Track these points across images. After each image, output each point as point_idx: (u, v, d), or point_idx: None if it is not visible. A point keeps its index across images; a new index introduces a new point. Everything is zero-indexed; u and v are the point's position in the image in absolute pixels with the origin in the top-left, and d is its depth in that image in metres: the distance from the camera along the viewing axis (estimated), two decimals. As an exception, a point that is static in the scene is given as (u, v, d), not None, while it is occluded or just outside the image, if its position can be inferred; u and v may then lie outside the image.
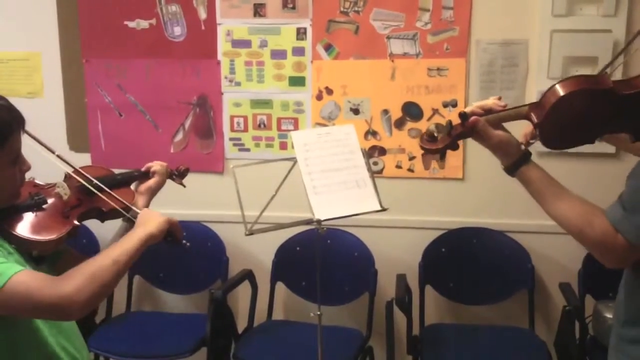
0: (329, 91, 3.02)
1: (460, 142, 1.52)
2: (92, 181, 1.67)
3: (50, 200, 1.60)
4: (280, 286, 3.11)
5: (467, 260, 2.99)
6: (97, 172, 1.77)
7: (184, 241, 1.65)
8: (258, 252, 3.16)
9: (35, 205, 1.56)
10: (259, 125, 3.11)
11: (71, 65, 3.20)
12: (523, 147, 1.48)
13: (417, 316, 2.92)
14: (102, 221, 1.72)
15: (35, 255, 1.53)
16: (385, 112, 2.99)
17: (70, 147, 3.23)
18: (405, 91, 2.95)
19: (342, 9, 2.94)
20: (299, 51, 3.01)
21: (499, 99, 1.50)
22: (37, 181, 1.64)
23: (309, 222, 2.20)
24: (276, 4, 2.98)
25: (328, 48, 2.99)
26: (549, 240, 2.86)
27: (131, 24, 3.11)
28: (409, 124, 2.98)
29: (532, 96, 2.79)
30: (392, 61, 2.94)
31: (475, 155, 2.90)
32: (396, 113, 2.98)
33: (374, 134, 3.01)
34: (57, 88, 3.23)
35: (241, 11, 3.02)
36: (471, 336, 2.85)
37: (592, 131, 1.43)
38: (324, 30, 2.97)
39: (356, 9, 2.92)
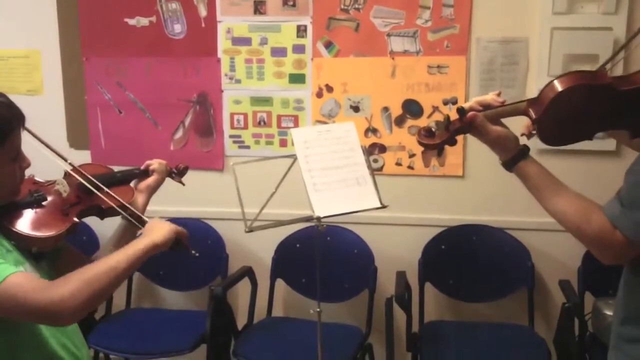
0: (329, 89, 3.02)
1: (460, 139, 1.52)
2: (91, 179, 1.67)
3: (49, 198, 1.60)
4: (280, 283, 3.11)
5: (467, 258, 3.00)
6: (97, 170, 1.78)
7: (193, 251, 1.65)
8: (258, 249, 3.16)
9: (35, 202, 1.56)
10: (259, 123, 3.11)
11: (71, 63, 3.20)
12: (526, 137, 1.48)
13: (416, 313, 2.93)
14: (102, 218, 1.72)
15: (34, 252, 1.54)
16: (386, 109, 2.99)
17: (70, 145, 3.23)
18: (406, 89, 2.95)
19: (342, 6, 2.93)
20: (299, 49, 3.01)
21: (498, 94, 1.50)
22: (36, 178, 1.65)
23: (308, 219, 2.21)
24: (276, 2, 2.98)
25: (328, 45, 2.99)
26: (549, 237, 2.87)
27: (131, 22, 3.11)
28: (409, 122, 2.98)
29: (532, 94, 2.76)
30: (393, 59, 2.94)
31: (475, 153, 2.90)
32: (396, 110, 2.98)
33: (374, 131, 3.01)
34: (57, 86, 3.23)
35: (241, 9, 3.02)
36: (471, 333, 2.86)
37: (590, 127, 1.42)
38: (324, 27, 2.97)
39: (356, 6, 2.92)
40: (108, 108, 3.21)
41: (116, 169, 1.84)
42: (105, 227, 1.83)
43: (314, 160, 2.25)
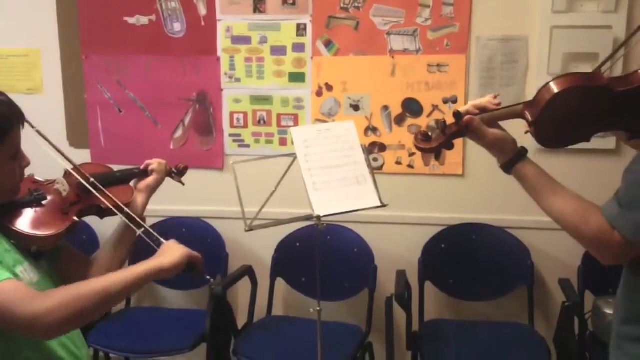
0: (329, 87, 3.01)
1: (458, 141, 1.52)
2: (90, 179, 1.67)
3: (49, 197, 1.60)
4: (280, 282, 3.11)
5: (467, 257, 3.00)
6: (97, 170, 1.78)
7: (207, 277, 1.63)
8: (258, 248, 3.16)
9: (35, 201, 1.56)
10: (259, 122, 3.11)
11: (71, 62, 3.20)
12: (530, 133, 1.48)
13: (416, 312, 2.93)
14: (102, 218, 1.72)
15: (34, 250, 1.54)
16: (385, 108, 2.99)
17: (70, 144, 3.23)
18: (405, 87, 2.95)
19: (342, 5, 2.93)
20: (299, 47, 3.01)
21: (495, 97, 1.50)
22: (36, 177, 1.65)
23: (308, 218, 2.21)
24: (276, 0, 2.98)
25: (328, 44, 2.98)
26: (549, 236, 2.86)
27: (131, 20, 3.11)
28: (409, 120, 2.98)
29: (532, 93, 2.75)
30: (392, 57, 2.94)
31: (475, 152, 2.89)
32: (396, 109, 2.98)
33: (374, 130, 3.01)
34: (57, 84, 3.23)
35: (241, 7, 3.02)
36: (471, 332, 2.86)
37: (587, 129, 1.42)
38: (324, 26, 2.97)
39: (356, 5, 2.92)
40: (108, 107, 3.21)
41: (116, 168, 1.84)
42: (105, 227, 1.83)
43: (313, 159, 2.25)
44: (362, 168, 2.28)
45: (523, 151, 1.47)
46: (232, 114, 3.12)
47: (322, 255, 2.33)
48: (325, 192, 2.21)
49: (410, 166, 3.01)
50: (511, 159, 1.46)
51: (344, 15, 2.94)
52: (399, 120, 2.99)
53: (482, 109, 1.48)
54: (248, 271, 3.06)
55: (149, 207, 1.81)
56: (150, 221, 1.84)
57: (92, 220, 1.77)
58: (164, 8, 3.08)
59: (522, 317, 2.93)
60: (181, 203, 3.07)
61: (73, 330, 1.52)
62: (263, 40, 3.03)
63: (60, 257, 1.65)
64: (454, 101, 2.92)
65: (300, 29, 2.99)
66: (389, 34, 2.93)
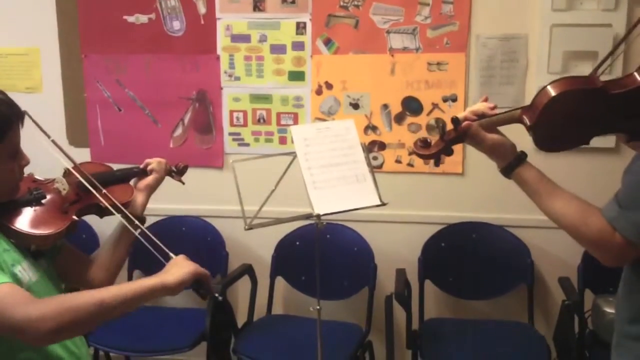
0: (329, 86, 3.01)
1: (456, 147, 1.54)
2: (90, 179, 1.67)
3: (49, 196, 1.60)
4: (279, 281, 3.11)
5: (467, 255, 3.00)
6: (97, 169, 1.77)
7: (216, 294, 1.59)
8: (258, 247, 3.16)
9: (34, 200, 1.56)
10: (259, 120, 3.10)
11: (70, 61, 3.20)
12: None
13: (416, 311, 2.93)
14: (101, 217, 1.72)
15: (33, 250, 1.53)
16: (385, 106, 2.99)
17: (70, 142, 3.23)
18: (405, 86, 2.95)
19: (341, 3, 2.93)
20: (298, 46, 3.01)
21: (485, 99, 1.51)
22: (36, 176, 1.64)
23: (308, 216, 2.21)
24: (275, -1, 2.98)
25: (328, 43, 2.98)
26: (549, 235, 2.86)
27: (130, 19, 3.11)
28: (409, 119, 2.98)
29: (532, 91, 2.79)
30: (392, 56, 2.94)
31: (475, 151, 2.86)
32: (396, 108, 2.98)
33: (373, 128, 3.01)
34: (56, 83, 3.23)
35: (240, 6, 3.02)
36: (470, 331, 2.86)
37: (585, 132, 1.43)
38: (323, 24, 2.97)
39: (356, 3, 2.92)
40: (107, 105, 3.21)
41: (115, 167, 1.84)
42: (105, 226, 1.83)
43: (313, 158, 2.25)
44: (361, 167, 2.28)
45: (522, 155, 1.48)
46: (231, 112, 3.12)
47: (322, 254, 2.33)
48: (325, 190, 2.21)
49: (410, 165, 3.01)
50: (510, 163, 1.47)
51: (343, 14, 2.94)
52: (399, 118, 2.99)
53: (480, 115, 1.49)
54: (248, 270, 3.06)
55: (148, 205, 1.80)
56: (150, 220, 1.85)
57: (91, 220, 1.77)
58: (163, 7, 3.07)
59: (522, 316, 2.93)
60: (181, 202, 3.07)
61: (67, 339, 1.50)
62: (263, 39, 3.03)
63: (59, 255, 1.65)
64: (454, 99, 2.92)
65: (300, 28, 2.99)
66: (388, 32, 2.92)
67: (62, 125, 3.24)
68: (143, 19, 3.10)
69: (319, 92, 3.02)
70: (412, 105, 2.97)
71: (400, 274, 2.87)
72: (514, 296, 2.99)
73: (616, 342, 1.51)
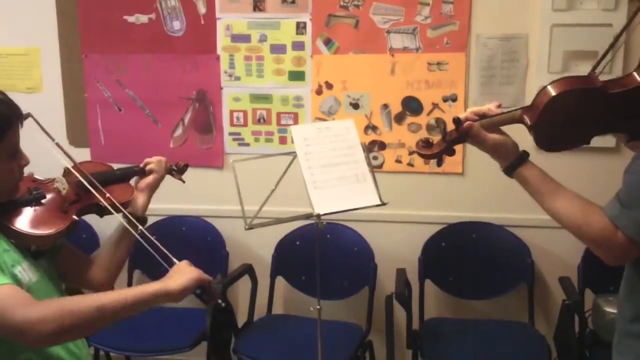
0: (329, 86, 3.01)
1: (456, 147, 1.54)
2: (90, 178, 1.67)
3: (49, 195, 1.60)
4: (280, 280, 3.11)
5: (467, 255, 3.00)
6: (96, 168, 1.77)
7: (219, 301, 1.59)
8: (258, 247, 3.16)
9: (34, 200, 1.55)
10: (259, 120, 3.10)
11: (70, 61, 3.20)
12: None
13: (416, 310, 2.93)
14: (101, 216, 1.72)
15: (33, 250, 1.53)
16: (385, 106, 2.99)
17: (70, 142, 3.23)
18: (405, 86, 2.95)
19: (341, 3, 2.93)
20: (298, 46, 3.01)
21: (499, 106, 1.51)
22: (36, 176, 1.64)
23: (308, 216, 2.21)
24: (276, -1, 2.98)
25: (328, 42, 2.98)
26: (549, 234, 2.86)
27: (130, 19, 3.11)
28: (409, 119, 2.98)
29: (532, 91, 2.79)
30: (392, 56, 2.94)
31: (475, 150, 2.85)
32: (396, 108, 2.98)
33: (373, 128, 3.01)
34: (57, 83, 3.22)
35: (240, 6, 3.01)
36: (471, 330, 2.86)
37: (585, 131, 1.43)
38: (323, 24, 2.97)
39: (356, 3, 2.92)
40: (107, 105, 3.21)
41: (116, 166, 1.84)
42: (105, 226, 1.83)
43: (313, 158, 2.25)
44: (362, 166, 2.28)
45: (524, 155, 1.48)
46: (231, 112, 3.12)
47: (322, 253, 2.33)
48: (325, 190, 2.21)
49: (410, 164, 3.01)
50: (512, 162, 1.47)
51: (343, 14, 2.94)
52: (399, 118, 2.99)
53: (482, 115, 1.50)
54: (248, 270, 3.06)
55: (150, 205, 1.80)
56: (150, 220, 1.84)
57: (91, 220, 1.77)
58: (163, 6, 3.07)
59: (522, 316, 2.93)
60: (181, 201, 3.07)
61: (66, 343, 1.50)
62: (263, 39, 3.03)
63: (59, 256, 1.65)
64: (454, 99, 2.91)
65: (300, 27, 2.99)
66: (388, 32, 2.92)
67: (62, 125, 3.24)
68: (143, 19, 3.10)
69: (319, 92, 3.02)
70: (412, 105, 2.97)
71: (401, 273, 2.87)
72: (514, 296, 2.98)
73: (617, 340, 1.51)
